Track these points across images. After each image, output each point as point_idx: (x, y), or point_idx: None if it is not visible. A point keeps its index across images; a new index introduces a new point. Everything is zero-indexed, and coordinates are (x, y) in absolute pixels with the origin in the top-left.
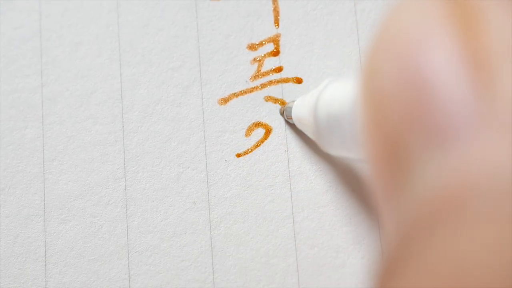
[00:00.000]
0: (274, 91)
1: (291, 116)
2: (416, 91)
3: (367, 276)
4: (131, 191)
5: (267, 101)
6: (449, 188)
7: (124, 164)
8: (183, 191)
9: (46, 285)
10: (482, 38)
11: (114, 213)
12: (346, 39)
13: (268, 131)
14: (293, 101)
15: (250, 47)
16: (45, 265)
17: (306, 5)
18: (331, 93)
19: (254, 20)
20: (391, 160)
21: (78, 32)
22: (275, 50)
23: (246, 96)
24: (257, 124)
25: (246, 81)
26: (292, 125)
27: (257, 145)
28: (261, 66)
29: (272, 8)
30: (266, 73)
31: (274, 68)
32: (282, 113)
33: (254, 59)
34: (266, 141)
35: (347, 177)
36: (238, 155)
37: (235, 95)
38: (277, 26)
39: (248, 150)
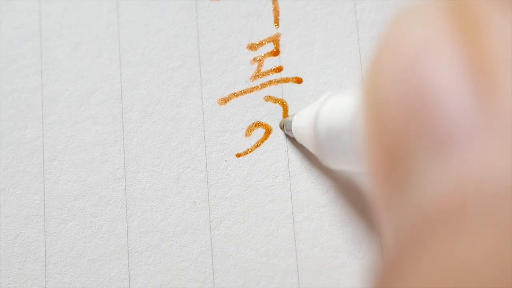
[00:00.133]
0: (274, 91)
1: (291, 130)
2: (418, 99)
3: (366, 278)
4: (131, 191)
5: (267, 101)
6: (449, 195)
7: (124, 164)
8: (183, 191)
9: (46, 285)
10: (483, 47)
11: (114, 213)
12: (346, 39)
13: (268, 131)
14: (293, 115)
15: (250, 47)
16: (45, 265)
17: (306, 5)
18: (331, 106)
19: (254, 20)
20: (391, 166)
21: (78, 32)
22: (275, 50)
23: (246, 96)
24: (257, 124)
25: (246, 81)
26: (292, 139)
27: (257, 145)
28: (261, 66)
29: (272, 8)
30: (266, 73)
31: (274, 68)
32: (282, 127)
33: (254, 59)
34: (266, 141)
35: (347, 190)
36: (238, 155)
37: (235, 95)
38: (277, 26)
39: (248, 150)
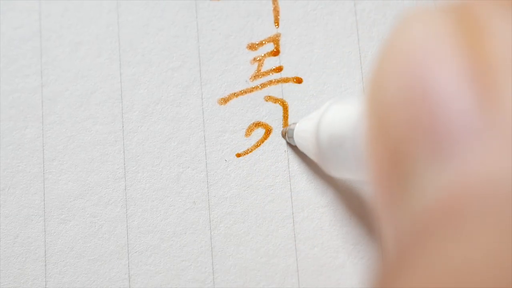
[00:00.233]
0: (274, 91)
1: (292, 138)
2: (419, 102)
3: (366, 279)
4: (131, 191)
5: (267, 101)
6: (449, 196)
7: (124, 164)
8: (183, 191)
9: (46, 285)
10: (485, 50)
11: (114, 213)
12: (346, 39)
13: (268, 131)
14: (295, 123)
15: (250, 47)
16: (45, 265)
17: (306, 5)
18: (333, 114)
19: (254, 20)
20: (392, 167)
21: (78, 32)
22: (275, 50)
23: (246, 96)
24: (257, 124)
25: (246, 81)
26: (294, 147)
27: (257, 145)
28: (261, 66)
29: (272, 8)
30: (266, 73)
31: (274, 68)
32: (284, 135)
33: (254, 59)
34: (266, 141)
35: (348, 197)
36: (238, 155)
37: (235, 95)
38: (277, 26)
39: (248, 150)
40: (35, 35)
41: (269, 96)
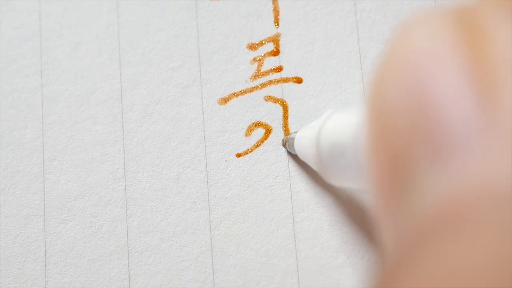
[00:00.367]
0: (274, 91)
1: (293, 147)
2: (421, 107)
3: (366, 280)
4: (131, 191)
5: (267, 101)
6: (449, 199)
7: (124, 164)
8: (183, 191)
9: (46, 285)
10: (486, 55)
11: (114, 213)
12: (346, 39)
13: (268, 131)
14: (295, 132)
15: (250, 47)
16: (45, 265)
17: (306, 5)
18: (334, 123)
19: (254, 20)
20: (393, 172)
21: (78, 32)
22: (275, 50)
23: (246, 96)
24: (257, 124)
25: (246, 81)
26: (294, 156)
27: (257, 145)
28: (261, 65)
29: (272, 8)
30: (266, 73)
31: (274, 67)
32: (284, 144)
33: (254, 59)
34: (266, 141)
35: (347, 200)
36: (238, 155)
37: (235, 95)
38: (277, 26)
39: (248, 150)
40: (35, 35)
41: (269, 96)
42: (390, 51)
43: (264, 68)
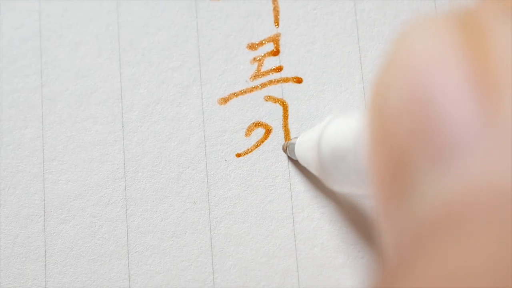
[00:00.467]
0: (274, 90)
1: (294, 153)
2: (422, 109)
3: (366, 281)
4: (131, 191)
5: (267, 100)
6: (450, 201)
7: (124, 164)
8: (183, 191)
9: (46, 285)
10: (488, 60)
11: (114, 213)
12: (346, 39)
13: (268, 131)
14: (296, 138)
15: (250, 46)
16: (45, 265)
17: (306, 5)
18: (335, 128)
19: (254, 20)
20: (394, 175)
21: (78, 32)
22: (275, 50)
23: (246, 95)
24: (257, 124)
25: (246, 81)
26: (295, 162)
27: (257, 145)
28: (261, 65)
29: (272, 8)
30: (266, 73)
31: (274, 67)
32: (285, 150)
33: (254, 59)
34: (266, 141)
35: (347, 203)
36: (238, 155)
37: (235, 94)
38: (277, 26)
39: (248, 150)
40: (35, 35)
41: (269, 96)
42: (392, 55)
43: (264, 68)
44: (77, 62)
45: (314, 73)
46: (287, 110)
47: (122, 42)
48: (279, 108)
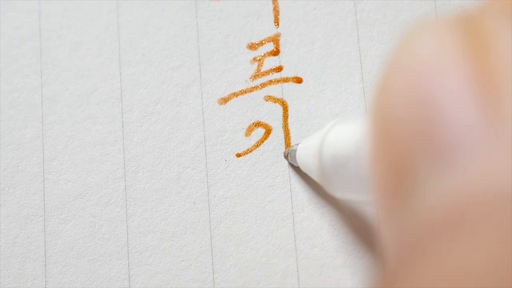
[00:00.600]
0: (274, 90)
1: (295, 159)
2: (424, 111)
3: (366, 281)
4: (131, 191)
5: (267, 100)
6: (450, 204)
7: (124, 164)
8: (183, 191)
9: (46, 285)
10: (491, 64)
11: (114, 213)
12: (346, 39)
13: (268, 131)
14: (297, 144)
15: (250, 46)
16: (45, 265)
17: (306, 4)
18: (336, 134)
19: (254, 20)
20: (396, 177)
21: (78, 32)
22: (275, 50)
23: (246, 95)
24: (257, 124)
25: (246, 81)
26: (296, 168)
27: (257, 145)
28: (261, 65)
29: (272, 8)
30: (266, 73)
31: (274, 67)
32: (286, 156)
33: (254, 59)
34: (266, 141)
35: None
36: (238, 155)
37: (235, 94)
38: (277, 26)
39: (248, 150)
40: (35, 35)
41: (269, 96)
42: (393, 57)
43: (264, 68)
44: (77, 62)
45: (314, 73)
46: (287, 110)
47: (122, 42)
48: (279, 108)
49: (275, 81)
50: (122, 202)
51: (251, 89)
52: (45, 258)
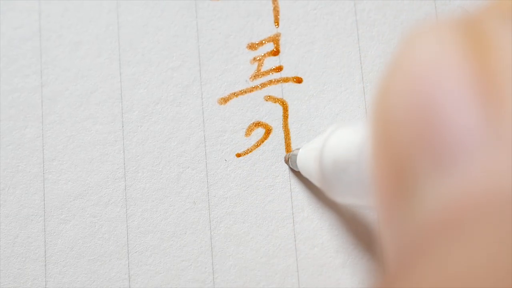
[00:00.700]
0: (274, 90)
1: (296, 164)
2: (425, 115)
3: (366, 281)
4: (131, 191)
5: (267, 100)
6: (452, 205)
7: (124, 164)
8: (183, 191)
9: (46, 285)
10: (492, 67)
11: (114, 213)
12: (346, 39)
13: (268, 131)
14: (298, 149)
15: (250, 46)
16: (45, 265)
17: (306, 4)
18: (337, 139)
19: (254, 20)
20: (397, 180)
21: (78, 32)
22: (275, 50)
23: (246, 95)
24: (257, 124)
25: (246, 81)
26: (297, 173)
27: (257, 145)
28: (261, 65)
29: (272, 8)
30: (266, 73)
31: (274, 67)
32: (286, 161)
33: (254, 59)
34: (266, 141)
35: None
36: (238, 155)
37: (235, 94)
38: (277, 26)
39: (248, 150)
40: (35, 35)
41: (269, 96)
42: (394, 61)
43: (264, 68)
44: (77, 62)
45: (314, 73)
46: (287, 110)
47: (122, 42)
48: (279, 108)
49: (275, 81)
50: (122, 202)
51: (251, 89)
52: (45, 258)
